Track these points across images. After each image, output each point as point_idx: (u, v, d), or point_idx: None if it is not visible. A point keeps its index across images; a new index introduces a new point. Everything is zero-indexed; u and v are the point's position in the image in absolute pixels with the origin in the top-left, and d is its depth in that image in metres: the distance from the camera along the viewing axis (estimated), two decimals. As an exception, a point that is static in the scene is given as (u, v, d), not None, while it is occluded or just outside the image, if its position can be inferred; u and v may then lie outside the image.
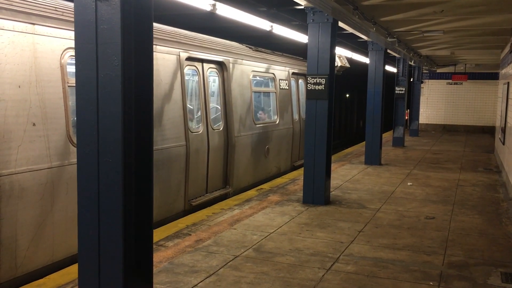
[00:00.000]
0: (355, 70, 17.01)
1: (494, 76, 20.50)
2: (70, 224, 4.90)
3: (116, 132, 3.16)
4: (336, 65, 11.33)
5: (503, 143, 11.02)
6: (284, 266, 4.87)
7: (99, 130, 3.22)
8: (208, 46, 7.85)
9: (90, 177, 3.28)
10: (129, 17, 3.14)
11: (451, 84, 21.88)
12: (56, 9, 4.93)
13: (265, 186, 8.91)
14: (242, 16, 7.90)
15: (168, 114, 6.67)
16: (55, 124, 4.82)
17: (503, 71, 13.24)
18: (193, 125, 7.55)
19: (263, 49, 10.31)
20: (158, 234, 5.71)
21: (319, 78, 7.32)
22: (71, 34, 4.74)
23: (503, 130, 11.20)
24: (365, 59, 15.46)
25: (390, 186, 9.06)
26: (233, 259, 5.02)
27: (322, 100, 7.36)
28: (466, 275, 4.76)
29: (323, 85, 7.30)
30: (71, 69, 4.82)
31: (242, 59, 8.91)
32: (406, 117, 18.27)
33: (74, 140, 4.92)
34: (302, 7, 7.26)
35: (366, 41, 11.37)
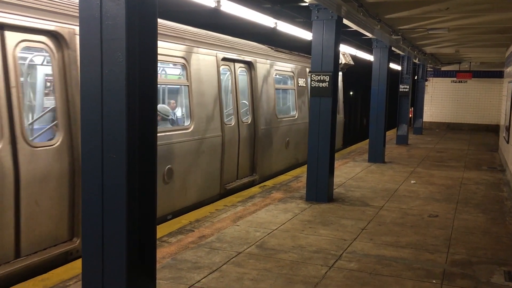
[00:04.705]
0: (359, 67, 16.98)
1: (499, 75, 20.41)
2: None
3: (121, 127, 3.17)
4: (340, 62, 11.35)
5: (507, 142, 10.99)
6: (287, 263, 4.87)
7: (104, 126, 3.22)
8: (239, 48, 8.69)
9: (95, 172, 3.29)
10: (133, 13, 3.15)
11: (455, 82, 21.80)
12: None
13: (268, 183, 8.92)
14: (246, 13, 7.90)
15: (208, 108, 7.53)
16: None
17: (508, 69, 13.19)
18: (226, 118, 8.24)
19: (282, 49, 11.06)
20: (161, 230, 5.73)
21: (323, 75, 7.30)
22: None
23: (508, 129, 11.16)
24: (369, 57, 15.43)
25: (394, 184, 9.04)
26: (236, 256, 5.02)
27: (326, 97, 7.35)
28: (469, 273, 4.75)
29: (327, 82, 7.29)
30: None
31: (266, 59, 9.74)
32: (410, 115, 18.22)
33: None
34: (307, 4, 7.25)
35: (370, 38, 11.34)
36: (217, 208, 6.92)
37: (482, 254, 5.33)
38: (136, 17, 3.17)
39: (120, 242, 3.26)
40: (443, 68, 21.82)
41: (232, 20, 10.15)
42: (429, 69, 21.35)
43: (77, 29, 7.12)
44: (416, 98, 19.63)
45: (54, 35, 4.97)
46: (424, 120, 20.53)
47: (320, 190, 7.48)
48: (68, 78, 5.34)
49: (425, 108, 20.73)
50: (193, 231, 5.83)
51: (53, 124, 5.16)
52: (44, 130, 5.22)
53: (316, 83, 7.36)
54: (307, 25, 9.59)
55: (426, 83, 21.05)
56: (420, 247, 5.47)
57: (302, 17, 11.18)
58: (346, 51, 14.15)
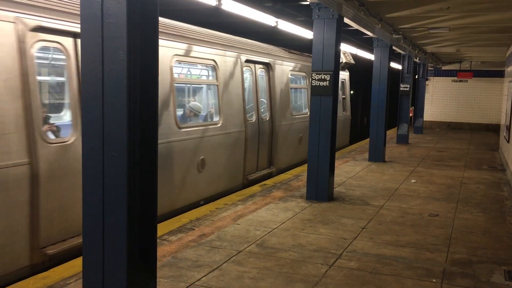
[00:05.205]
0: (360, 66, 16.98)
1: (500, 74, 20.40)
2: (173, 185, 6.67)
3: (121, 126, 3.17)
4: (341, 61, 11.38)
5: (508, 141, 10.99)
6: (287, 261, 4.88)
7: (104, 124, 3.22)
8: (258, 50, 9.41)
9: (95, 171, 3.29)
10: (135, 12, 3.14)
11: (456, 82, 21.79)
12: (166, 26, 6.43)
13: (269, 182, 8.93)
14: (247, 12, 7.90)
15: (233, 106, 8.27)
16: (167, 111, 6.43)
17: (509, 68, 13.18)
18: (248, 115, 8.95)
19: (295, 51, 11.72)
20: (161, 228, 5.74)
21: (324, 74, 7.30)
22: (176, 45, 6.66)
23: (508, 128, 11.16)
24: (370, 56, 15.42)
25: (394, 183, 9.05)
26: (236, 254, 5.03)
27: (326, 96, 7.35)
28: (469, 272, 4.75)
29: (327, 81, 7.29)
30: (176, 70, 6.69)
31: (282, 60, 10.42)
32: (411, 114, 18.22)
33: (178, 123, 6.73)
34: (308, 2, 7.24)
35: (371, 37, 11.33)
36: (217, 207, 6.92)
37: (482, 253, 5.33)
38: (137, 15, 3.17)
39: (120, 241, 3.26)
40: (444, 68, 21.81)
41: (233, 19, 10.15)
42: (429, 68, 21.34)
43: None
44: (417, 97, 19.62)
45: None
46: (424, 119, 20.53)
47: (321, 189, 7.48)
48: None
49: (426, 107, 20.72)
50: (194, 229, 5.83)
51: None
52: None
53: (317, 82, 7.35)
54: (308, 24, 9.58)
55: (427, 82, 21.04)
56: (420, 246, 5.47)
57: (303, 15, 11.17)
58: (347, 50, 14.15)
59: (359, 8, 7.58)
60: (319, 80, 7.33)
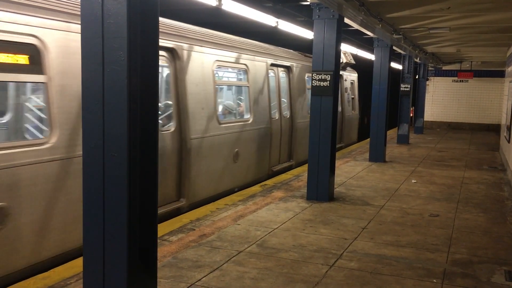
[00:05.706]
0: (361, 67, 16.99)
1: (500, 74, 20.40)
2: (215, 173, 7.60)
3: (122, 127, 3.16)
4: (341, 61, 11.40)
5: (508, 141, 10.98)
6: (287, 262, 4.88)
7: (105, 125, 3.22)
8: (281, 55, 10.37)
9: (96, 172, 3.29)
10: (135, 12, 3.14)
11: (456, 82, 21.79)
12: (208, 36, 7.56)
13: (269, 182, 8.93)
14: (247, 12, 7.90)
15: (261, 105, 9.23)
16: (210, 109, 7.32)
17: (509, 68, 13.17)
18: (272, 112, 9.86)
19: (310, 55, 12.25)
20: (162, 229, 5.73)
21: (324, 74, 7.30)
22: (217, 52, 7.58)
23: (509, 128, 11.15)
24: (370, 56, 15.42)
25: (394, 183, 9.04)
26: (236, 255, 5.03)
27: (327, 96, 7.35)
28: (470, 273, 4.75)
29: (328, 82, 7.29)
30: (217, 73, 7.77)
31: (300, 63, 11.24)
32: (411, 115, 18.21)
33: (219, 120, 7.66)
34: (308, 3, 7.24)
35: (371, 37, 11.33)
36: (218, 207, 6.92)
37: (482, 253, 5.33)
38: (138, 15, 3.17)
39: (121, 241, 3.26)
40: (444, 68, 21.80)
41: (233, 19, 10.15)
42: (430, 68, 21.34)
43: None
44: (417, 97, 19.62)
45: (170, 50, 6.62)
46: (425, 119, 20.53)
47: (321, 189, 7.48)
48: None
49: (426, 107, 20.72)
50: (194, 229, 5.83)
51: (166, 114, 6.91)
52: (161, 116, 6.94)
53: (317, 82, 7.35)
54: (308, 24, 9.60)
55: (427, 82, 21.04)
56: (421, 247, 5.47)
57: (303, 16, 11.18)
58: (347, 50, 14.15)
59: (360, 8, 7.58)
60: (320, 80, 7.32)
